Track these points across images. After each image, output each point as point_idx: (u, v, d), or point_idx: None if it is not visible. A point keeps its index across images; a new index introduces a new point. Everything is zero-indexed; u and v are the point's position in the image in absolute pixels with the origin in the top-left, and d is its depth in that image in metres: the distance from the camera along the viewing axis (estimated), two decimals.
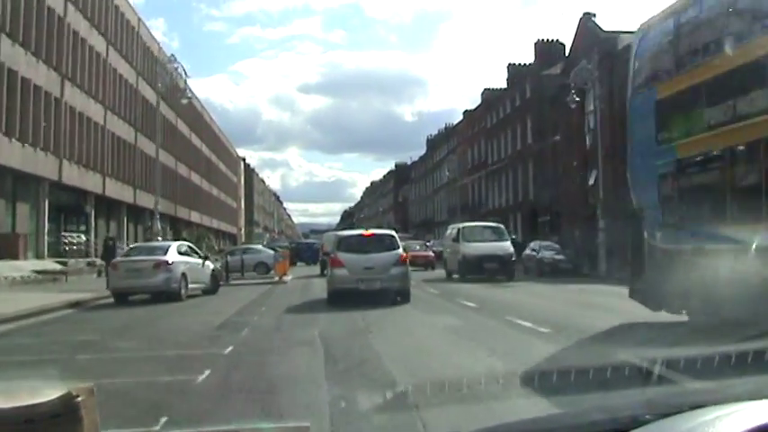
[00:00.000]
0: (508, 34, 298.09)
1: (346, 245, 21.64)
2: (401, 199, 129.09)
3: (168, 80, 38.01)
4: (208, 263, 26.99)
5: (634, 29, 16.38)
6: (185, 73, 36.84)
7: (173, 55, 38.26)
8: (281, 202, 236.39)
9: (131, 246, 29.02)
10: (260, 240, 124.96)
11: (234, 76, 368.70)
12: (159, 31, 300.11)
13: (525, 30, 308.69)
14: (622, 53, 45.34)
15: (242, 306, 20.88)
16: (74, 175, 44.88)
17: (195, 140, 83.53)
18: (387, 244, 21.22)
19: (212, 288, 26.50)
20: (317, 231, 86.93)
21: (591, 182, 49.04)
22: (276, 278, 33.78)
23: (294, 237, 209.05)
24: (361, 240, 21.99)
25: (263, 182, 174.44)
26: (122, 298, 23.57)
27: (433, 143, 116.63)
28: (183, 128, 76.48)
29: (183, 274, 24.01)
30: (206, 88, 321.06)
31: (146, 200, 61.44)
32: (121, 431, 2.89)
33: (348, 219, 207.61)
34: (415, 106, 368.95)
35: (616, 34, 47.69)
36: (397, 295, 20.14)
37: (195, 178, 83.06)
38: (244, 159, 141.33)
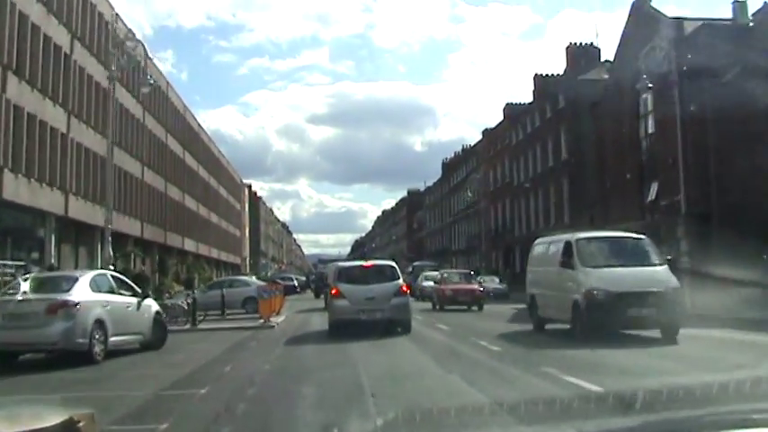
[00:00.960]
0: (516, 65, 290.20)
1: (347, 276, 21.40)
2: (416, 225, 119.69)
3: (125, 62, 29.04)
4: (148, 303, 17.87)
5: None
6: (146, 52, 27.90)
7: (131, 30, 29.30)
8: (291, 233, 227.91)
9: (23, 276, 19.62)
10: (265, 271, 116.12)
11: (243, 108, 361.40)
12: (168, 62, 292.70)
13: (532, 60, 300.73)
14: (692, 39, 37.02)
15: (174, 381, 11.92)
16: (21, 191, 36.02)
17: (190, 161, 74.78)
18: (387, 275, 21.08)
19: (155, 339, 17.48)
20: (325, 261, 78.05)
21: (651, 197, 40.09)
22: (261, 320, 24.63)
23: (304, 268, 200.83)
24: (361, 271, 21.85)
25: (271, 211, 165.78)
26: (4, 358, 14.65)
27: (448, 167, 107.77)
28: (174, 146, 67.77)
29: (99, 322, 15.08)
30: (216, 119, 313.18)
31: (126, 224, 52.67)
32: None
33: (359, 249, 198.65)
34: (425, 136, 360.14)
35: (680, 20, 39.04)
36: (397, 326, 19.94)
37: (190, 203, 74.20)
38: (249, 186, 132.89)
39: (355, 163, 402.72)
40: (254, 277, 42.79)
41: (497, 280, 52.00)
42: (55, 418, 2.30)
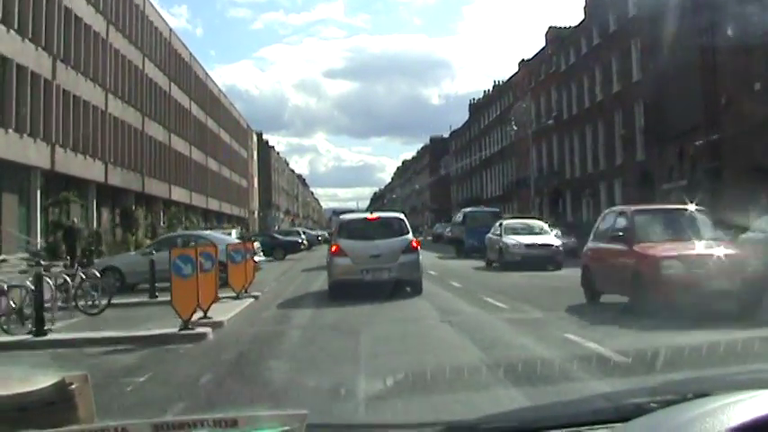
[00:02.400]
0: (532, 17, 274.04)
1: (349, 230, 18.14)
2: (443, 171, 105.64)
3: None
4: None
5: None
6: None
7: None
8: (307, 185, 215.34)
9: None
10: (275, 224, 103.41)
11: (259, 62, 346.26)
12: (183, 18, 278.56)
13: (548, 11, 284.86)
14: None
15: None
16: None
17: (179, 96, 61.92)
18: (395, 229, 17.92)
19: None
20: (340, 213, 65.42)
21: None
22: (186, 322, 11.72)
23: (321, 221, 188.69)
24: (365, 225, 18.54)
25: (285, 162, 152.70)
26: None
27: (476, 108, 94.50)
28: (155, 74, 54.92)
29: None
30: (231, 74, 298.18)
31: (82, 167, 40.30)
32: (118, 422, 1.90)
33: (378, 201, 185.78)
34: (442, 89, 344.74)
35: None
36: (406, 286, 16.79)
37: (180, 145, 61.48)
38: (260, 135, 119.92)
39: (373, 116, 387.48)
40: (232, 232, 30.39)
41: (558, 231, 33.58)
42: (46, 380, 2.05)
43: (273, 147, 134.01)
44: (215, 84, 79.51)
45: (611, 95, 47.67)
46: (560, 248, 27.11)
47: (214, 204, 74.12)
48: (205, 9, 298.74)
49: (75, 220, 30.17)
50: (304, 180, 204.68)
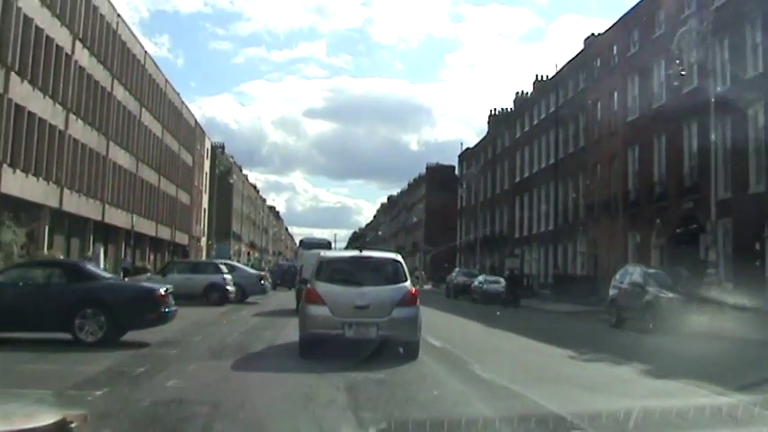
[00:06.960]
0: (514, 69, 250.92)
1: (330, 272, 12.88)
2: (464, 185, 75.63)
3: None
4: None
5: None
6: None
7: None
8: (281, 219, 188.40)
9: None
10: (224, 254, 75.72)
11: (239, 97, 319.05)
12: (164, 47, 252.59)
13: (531, 65, 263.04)
14: None
15: None
16: None
17: (64, 41, 35.05)
18: (389, 273, 12.91)
19: None
20: (310, 245, 39.10)
21: None
22: None
23: (294, 258, 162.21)
24: (352, 266, 13.29)
25: (254, 186, 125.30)
26: None
27: (499, 119, 68.44)
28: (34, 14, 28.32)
29: None
30: (211, 107, 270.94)
31: None
32: None
33: (358, 240, 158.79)
34: (422, 135, 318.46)
35: None
36: (399, 348, 12.42)
37: (49, 111, 34.51)
38: (222, 148, 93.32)
39: (351, 159, 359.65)
40: None
41: None
42: (48, 418, 2.12)
43: (240, 166, 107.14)
44: (142, 47, 52.28)
45: None
46: None
47: (118, 218, 46.83)
48: (187, 40, 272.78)
49: None
50: (278, 213, 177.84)
